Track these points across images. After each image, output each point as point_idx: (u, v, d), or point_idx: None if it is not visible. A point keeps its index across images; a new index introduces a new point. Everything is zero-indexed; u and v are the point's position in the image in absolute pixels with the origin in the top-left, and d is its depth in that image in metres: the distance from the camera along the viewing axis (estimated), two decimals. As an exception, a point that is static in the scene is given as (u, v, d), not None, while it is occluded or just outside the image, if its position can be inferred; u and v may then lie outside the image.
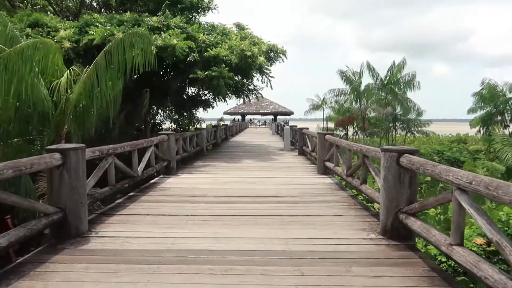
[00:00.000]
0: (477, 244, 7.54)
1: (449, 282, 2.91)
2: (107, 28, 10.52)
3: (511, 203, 2.09)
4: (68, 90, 7.22)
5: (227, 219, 4.78)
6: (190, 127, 20.65)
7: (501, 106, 27.54)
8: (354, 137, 34.38)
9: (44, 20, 10.86)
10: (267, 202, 5.77)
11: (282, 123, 35.47)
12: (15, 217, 6.80)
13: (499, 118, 28.23)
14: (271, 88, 14.56)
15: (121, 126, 11.95)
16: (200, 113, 19.58)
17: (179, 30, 11.56)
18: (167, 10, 12.82)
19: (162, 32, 11.21)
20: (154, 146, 7.73)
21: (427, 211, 8.65)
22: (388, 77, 30.01)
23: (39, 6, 14.94)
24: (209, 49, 11.97)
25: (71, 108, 6.84)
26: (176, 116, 19.84)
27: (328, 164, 8.21)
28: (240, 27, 15.84)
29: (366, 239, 3.94)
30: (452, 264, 7.31)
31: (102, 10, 16.61)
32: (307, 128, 13.21)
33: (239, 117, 49.96)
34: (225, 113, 47.31)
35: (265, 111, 48.35)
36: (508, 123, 28.01)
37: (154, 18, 11.84)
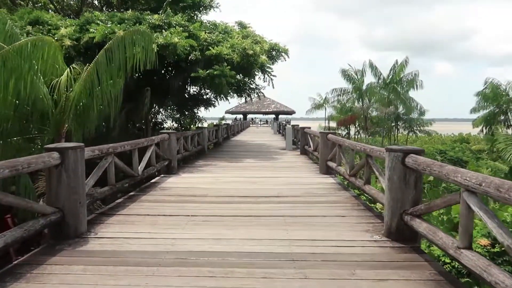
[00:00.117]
0: (481, 245, 7.44)
1: (456, 286, 2.83)
2: (108, 26, 10.45)
3: (524, 206, 2.01)
4: (69, 89, 7.15)
5: (228, 219, 4.70)
6: (192, 126, 20.58)
7: (504, 105, 27.36)
8: (356, 136, 34.26)
9: (45, 18, 10.79)
10: (268, 202, 5.69)
11: (284, 122, 35.37)
12: (15, 216, 6.75)
13: (502, 117, 28.06)
14: (273, 87, 14.49)
15: (122, 125, 11.89)
16: (201, 112, 19.51)
17: (181, 28, 11.48)
18: (169, 8, 12.75)
19: (163, 30, 11.14)
20: (155, 145, 7.66)
21: (429, 211, 8.56)
22: (390, 76, 29.86)
23: (40, 4, 14.87)
24: (210, 48, 11.89)
25: (71, 106, 6.77)
26: (178, 115, 19.77)
27: (330, 163, 8.12)
28: (242, 25, 15.75)
29: (370, 241, 3.85)
30: (456, 266, 7.22)
31: (104, 8, 16.56)
32: (309, 128, 13.12)
33: (241, 116, 49.90)
34: (226, 112, 47.28)
35: (267, 110, 48.27)
36: (511, 122, 27.84)
37: (156, 16, 11.76)
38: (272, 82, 14.15)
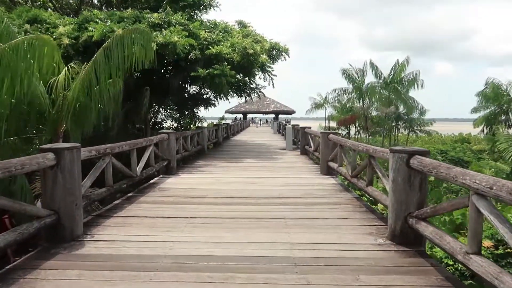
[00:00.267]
0: (484, 247, 7.34)
1: (464, 293, 2.73)
2: (107, 24, 10.35)
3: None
4: (66, 88, 7.05)
5: (228, 221, 4.60)
6: (192, 126, 20.48)
7: (505, 105, 27.26)
8: (356, 136, 34.17)
9: (43, 16, 10.68)
10: (269, 203, 5.59)
11: (284, 122, 35.27)
12: (13, 217, 6.65)
13: (503, 117, 27.96)
14: (273, 87, 14.40)
15: (121, 125, 11.79)
16: (201, 111, 19.41)
17: (181, 27, 11.38)
18: (168, 7, 12.64)
19: (163, 29, 11.04)
20: (153, 145, 7.56)
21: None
22: (391, 76, 29.76)
23: (39, 3, 14.76)
24: (210, 47, 11.79)
25: (69, 106, 6.67)
26: (177, 115, 19.67)
27: (331, 164, 8.02)
28: (242, 24, 15.66)
29: (374, 244, 3.75)
30: (460, 268, 7.12)
31: (103, 7, 16.44)
32: (310, 127, 13.02)
33: (241, 115, 49.79)
34: (226, 111, 47.17)
35: (267, 110, 48.16)
36: (512, 122, 27.75)
37: (155, 14, 11.66)
38: (272, 82, 14.07)
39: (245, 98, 16.41)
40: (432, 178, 14.12)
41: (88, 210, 6.86)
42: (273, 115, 49.78)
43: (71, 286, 2.83)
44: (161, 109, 18.59)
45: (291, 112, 48.31)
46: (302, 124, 16.60)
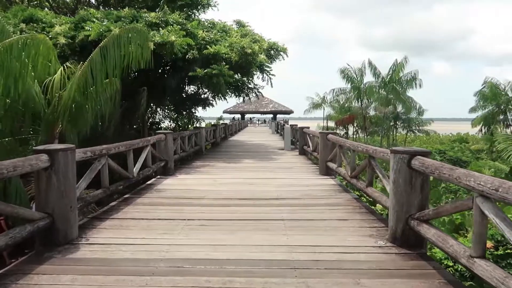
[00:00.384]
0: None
1: (468, 298, 2.66)
2: (104, 24, 10.24)
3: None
4: (62, 88, 6.95)
5: (226, 223, 4.52)
6: (189, 126, 20.37)
7: (503, 105, 27.28)
8: (355, 136, 34.15)
9: (39, 15, 10.55)
10: (268, 205, 5.52)
11: (282, 122, 35.20)
12: (9, 219, 6.56)
13: (501, 117, 27.98)
14: (271, 86, 14.32)
15: (118, 126, 11.68)
16: (199, 112, 19.31)
17: (178, 26, 11.29)
18: (166, 7, 12.54)
19: (160, 29, 10.94)
20: (150, 146, 7.47)
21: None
22: (389, 76, 29.72)
23: (35, 2, 14.64)
24: (208, 46, 11.70)
25: (65, 106, 6.56)
26: (175, 115, 19.57)
27: (330, 164, 7.96)
28: (240, 24, 15.57)
29: (375, 247, 3.68)
30: (459, 269, 7.07)
31: (100, 6, 16.32)
32: (308, 127, 12.96)
33: (239, 116, 49.70)
34: (224, 112, 47.07)
35: (265, 110, 48.09)
36: (510, 122, 27.77)
37: (153, 14, 11.56)
38: (270, 81, 14.00)
39: (243, 98, 16.34)
40: (430, 178, 14.07)
41: (84, 212, 6.78)
42: (271, 115, 49.72)
43: (64, 292, 2.75)
44: (158, 109, 18.48)
45: (289, 112, 48.25)
46: (300, 124, 16.54)
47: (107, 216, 4.82)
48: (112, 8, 14.37)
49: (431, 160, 3.36)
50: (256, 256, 3.44)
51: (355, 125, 34.11)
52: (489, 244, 7.50)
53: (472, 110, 29.45)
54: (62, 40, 9.61)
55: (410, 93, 30.47)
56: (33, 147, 3.79)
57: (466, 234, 8.65)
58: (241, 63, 11.90)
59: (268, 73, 14.00)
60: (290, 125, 18.10)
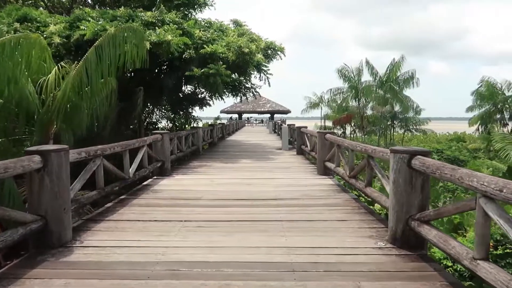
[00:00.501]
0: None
1: (471, 300, 2.60)
2: (99, 23, 10.14)
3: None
4: (57, 88, 6.86)
5: (223, 225, 4.45)
6: (187, 126, 20.27)
7: (500, 104, 27.33)
8: (352, 135, 34.14)
9: (33, 14, 10.43)
10: (265, 205, 5.45)
11: (280, 121, 35.14)
12: (2, 220, 6.46)
13: (498, 116, 28.04)
14: (269, 85, 14.25)
15: (114, 126, 11.56)
16: (196, 111, 19.20)
17: (175, 25, 11.19)
18: (162, 6, 12.45)
19: (156, 28, 10.84)
20: (147, 146, 7.38)
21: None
22: (387, 75, 29.73)
23: (30, 1, 14.49)
24: (205, 46, 11.62)
25: (59, 106, 6.47)
26: (172, 115, 19.46)
27: (328, 164, 7.90)
28: (237, 23, 15.49)
29: (375, 248, 3.62)
30: (458, 268, 7.03)
31: (96, 6, 16.19)
32: (306, 127, 12.90)
33: (236, 115, 49.63)
34: (222, 111, 47.01)
35: (262, 109, 48.06)
36: (507, 121, 27.83)
37: (149, 13, 11.47)
38: (268, 81, 13.92)
39: (241, 97, 16.27)
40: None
41: (80, 213, 6.69)
42: (269, 115, 49.69)
43: (56, 297, 2.67)
44: (155, 110, 18.37)
45: (286, 111, 48.24)
46: (297, 123, 16.50)
47: (102, 217, 4.74)
48: (108, 8, 14.26)
49: (432, 160, 3.30)
50: (254, 258, 3.37)
51: (352, 125, 34.11)
52: (488, 243, 7.46)
53: (469, 109, 29.49)
54: (57, 40, 9.50)
55: (407, 92, 30.53)
56: (25, 148, 3.69)
57: (465, 234, 8.62)
58: (238, 63, 11.82)
59: (265, 73, 13.94)
60: (288, 124, 18.05)
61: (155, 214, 4.91)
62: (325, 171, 8.12)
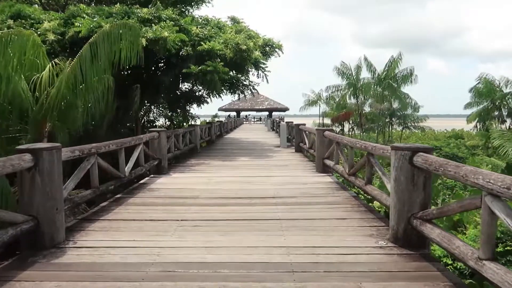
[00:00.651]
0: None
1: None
2: (94, 19, 9.99)
3: None
4: (51, 85, 6.73)
5: (221, 224, 4.35)
6: (184, 124, 20.13)
7: (498, 101, 27.33)
8: (350, 133, 34.10)
9: (27, 11, 10.28)
10: (264, 204, 5.36)
11: (278, 119, 35.07)
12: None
13: (496, 113, 28.05)
14: (267, 82, 14.13)
15: (111, 124, 11.43)
16: (194, 109, 19.05)
17: (171, 22, 11.06)
18: (159, 3, 12.29)
19: (153, 25, 10.70)
20: (143, 144, 7.28)
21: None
22: (385, 72, 29.66)
23: (25, -2, 14.31)
24: (202, 43, 11.48)
25: (53, 104, 6.35)
26: (170, 113, 19.31)
27: (327, 162, 7.81)
28: (234, 20, 15.34)
29: (376, 247, 3.53)
30: (459, 266, 6.97)
31: (92, 3, 16.01)
32: (304, 124, 12.81)
33: (234, 113, 49.46)
34: (219, 109, 46.84)
35: (260, 107, 47.90)
36: (505, 118, 27.85)
37: (145, 9, 11.32)
38: (266, 78, 13.80)
39: (238, 95, 16.14)
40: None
41: (75, 213, 6.57)
42: (267, 113, 49.55)
43: (47, 301, 2.58)
44: (153, 107, 18.22)
45: (284, 109, 48.10)
46: (295, 121, 16.40)
47: (97, 217, 4.63)
48: (103, 5, 14.09)
49: (434, 157, 3.21)
50: (252, 259, 3.28)
51: (350, 122, 34.08)
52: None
53: (467, 106, 29.50)
54: (51, 37, 9.35)
55: (406, 89, 30.50)
56: (16, 147, 3.58)
57: (464, 231, 8.57)
58: (236, 60, 11.69)
59: (263, 70, 13.82)
60: (286, 122, 17.96)
61: (151, 213, 4.81)
62: (324, 169, 8.04)
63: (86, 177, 5.13)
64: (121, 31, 7.10)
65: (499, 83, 27.80)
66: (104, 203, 5.40)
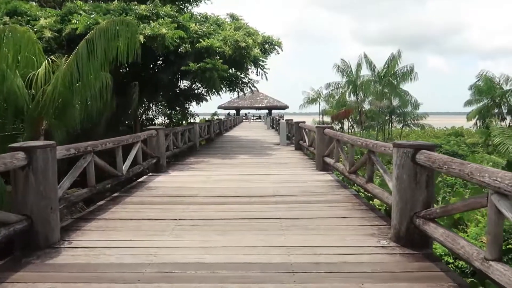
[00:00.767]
0: (484, 243, 7.12)
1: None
2: (92, 16, 9.88)
3: None
4: (47, 82, 6.64)
5: (220, 223, 4.28)
6: (184, 122, 20.04)
7: (498, 98, 27.23)
8: (350, 130, 34.02)
9: (23, 8, 10.16)
10: (264, 202, 5.28)
11: (277, 117, 34.97)
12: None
13: (496, 110, 27.95)
14: (266, 79, 14.04)
15: (109, 122, 11.34)
16: (193, 107, 18.96)
17: (169, 19, 10.95)
18: (157, -1, 12.18)
19: (151, 21, 10.59)
20: (141, 142, 7.19)
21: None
22: (385, 70, 29.55)
23: (21, -5, 14.16)
24: (201, 40, 11.37)
25: (49, 101, 6.26)
26: (169, 111, 19.20)
27: (327, 159, 7.73)
28: (234, 17, 15.22)
29: (378, 247, 3.46)
30: (460, 265, 6.90)
31: (90, 0, 15.88)
32: (304, 122, 12.73)
33: (234, 111, 49.35)
34: (219, 107, 46.71)
35: (260, 105, 47.79)
36: (505, 115, 27.75)
37: (143, 6, 11.20)
38: (265, 75, 13.70)
39: (238, 93, 16.03)
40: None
41: (72, 211, 6.49)
42: (266, 111, 49.43)
43: (39, 303, 2.50)
44: (152, 105, 18.12)
45: (284, 107, 47.99)
46: (295, 119, 16.31)
47: (93, 216, 4.55)
48: (101, 1, 13.96)
49: (438, 154, 3.13)
50: (251, 259, 3.21)
51: (350, 120, 33.99)
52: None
53: (467, 103, 29.38)
54: (48, 34, 9.23)
55: (405, 86, 30.39)
56: (9, 145, 3.50)
57: (466, 230, 8.49)
58: (235, 57, 11.59)
59: (262, 68, 13.72)
60: (286, 120, 17.87)
61: (148, 212, 4.73)
62: (324, 167, 7.96)
63: (84, 176, 5.07)
64: (118, 28, 7.01)
65: (499, 81, 27.69)
66: (101, 202, 5.32)
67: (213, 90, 15.26)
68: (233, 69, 13.41)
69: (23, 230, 3.32)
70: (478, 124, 29.13)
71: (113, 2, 11.29)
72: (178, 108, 18.54)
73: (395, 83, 29.06)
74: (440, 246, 4.81)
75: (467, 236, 7.66)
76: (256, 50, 12.22)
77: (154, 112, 19.23)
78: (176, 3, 14.48)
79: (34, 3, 13.29)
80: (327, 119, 35.43)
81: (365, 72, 30.95)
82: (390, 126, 33.10)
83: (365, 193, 7.79)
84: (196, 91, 17.05)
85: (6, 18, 9.42)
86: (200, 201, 5.41)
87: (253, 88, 15.77)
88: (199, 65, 11.03)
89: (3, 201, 5.24)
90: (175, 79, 14.67)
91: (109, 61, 7.01)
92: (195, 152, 12.33)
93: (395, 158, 3.53)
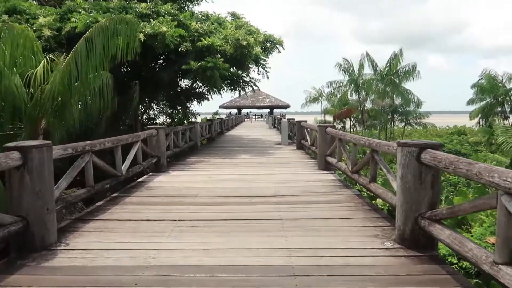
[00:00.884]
0: (490, 244, 7.03)
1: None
2: (91, 14, 9.80)
3: None
4: (46, 81, 6.57)
5: (220, 224, 4.19)
6: (185, 121, 19.97)
7: (501, 97, 27.04)
8: (352, 129, 33.89)
9: (22, 6, 10.11)
10: (264, 203, 5.19)
11: (279, 116, 34.87)
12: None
13: (499, 109, 27.76)
14: (268, 78, 13.96)
15: (109, 121, 11.28)
16: (194, 106, 18.90)
17: (170, 17, 10.87)
18: (157, -3, 12.10)
19: (151, 20, 10.52)
20: (141, 142, 7.11)
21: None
22: (387, 69, 29.39)
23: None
24: (202, 39, 11.29)
25: (48, 100, 6.18)
26: (170, 110, 19.14)
27: (329, 159, 7.64)
28: (235, 16, 15.13)
29: (381, 249, 3.37)
30: (464, 266, 6.80)
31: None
32: (306, 121, 12.64)
33: (235, 110, 49.29)
34: (220, 107, 46.68)
35: (261, 104, 47.72)
36: (508, 114, 27.56)
37: (143, 4, 11.13)
38: (267, 74, 13.61)
39: (239, 91, 15.95)
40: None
41: (71, 212, 6.43)
42: (268, 110, 49.35)
43: (32, 308, 2.42)
44: (153, 105, 18.05)
45: (286, 106, 47.91)
46: (297, 118, 16.22)
47: (91, 217, 4.48)
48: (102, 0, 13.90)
49: (444, 154, 3.03)
50: (252, 262, 3.12)
51: (352, 119, 33.85)
52: (492, 239, 7.25)
53: (470, 102, 29.22)
54: (47, 32, 9.16)
55: (408, 85, 30.22)
56: (3, 145, 3.42)
57: (470, 230, 8.38)
58: (236, 56, 11.51)
59: (263, 66, 13.63)
60: (287, 119, 17.78)
61: (147, 213, 4.65)
62: (326, 166, 7.87)
63: (83, 176, 4.99)
64: (117, 26, 6.93)
65: (502, 79, 27.51)
66: (99, 202, 5.25)
67: (214, 89, 15.20)
68: (234, 68, 13.32)
69: (19, 232, 3.25)
70: (481, 123, 28.96)
71: (113, 0, 11.22)
72: (179, 107, 18.47)
73: (397, 81, 28.88)
74: (444, 246, 4.73)
75: (471, 236, 7.55)
76: (258, 49, 12.14)
77: (155, 112, 19.19)
78: (177, 1, 14.40)
79: (33, 1, 13.22)
80: (329, 118, 35.33)
81: (367, 70, 30.82)
82: (392, 125, 32.94)
83: (368, 192, 7.71)
84: (197, 90, 16.98)
85: (5, 17, 9.35)
86: (200, 201, 5.33)
87: (254, 87, 15.69)
88: (200, 63, 10.95)
89: (0, 202, 5.17)
90: (176, 78, 14.60)
91: (108, 59, 6.93)
92: (196, 151, 12.25)
93: (400, 157, 3.43)
